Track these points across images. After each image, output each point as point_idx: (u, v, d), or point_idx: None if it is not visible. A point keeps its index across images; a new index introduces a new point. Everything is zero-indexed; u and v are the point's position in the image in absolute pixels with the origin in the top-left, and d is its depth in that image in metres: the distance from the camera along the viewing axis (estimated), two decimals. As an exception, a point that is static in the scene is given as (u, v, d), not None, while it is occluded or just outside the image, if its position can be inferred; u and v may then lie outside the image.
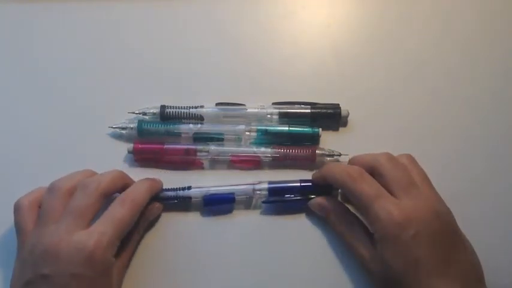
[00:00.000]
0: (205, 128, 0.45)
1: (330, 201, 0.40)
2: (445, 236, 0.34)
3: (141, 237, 0.40)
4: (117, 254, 0.35)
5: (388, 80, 0.48)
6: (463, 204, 0.43)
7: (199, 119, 0.45)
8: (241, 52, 0.50)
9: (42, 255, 0.33)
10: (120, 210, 0.36)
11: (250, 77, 0.49)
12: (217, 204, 0.41)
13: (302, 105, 0.45)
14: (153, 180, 0.41)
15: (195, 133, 0.45)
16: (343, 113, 0.45)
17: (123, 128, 0.45)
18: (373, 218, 0.34)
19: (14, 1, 0.53)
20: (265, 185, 0.41)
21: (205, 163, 0.45)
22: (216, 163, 0.45)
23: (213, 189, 0.41)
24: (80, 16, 0.52)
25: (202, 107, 0.45)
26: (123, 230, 0.35)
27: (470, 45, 0.50)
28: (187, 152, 0.44)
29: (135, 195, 0.37)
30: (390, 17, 0.51)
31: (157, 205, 0.40)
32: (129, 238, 0.38)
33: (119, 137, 0.46)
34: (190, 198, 0.41)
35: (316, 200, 0.40)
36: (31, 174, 0.45)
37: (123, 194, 0.38)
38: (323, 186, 0.40)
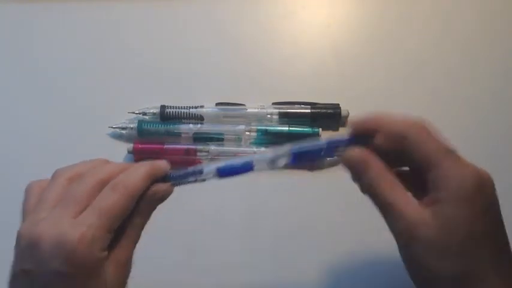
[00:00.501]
0: (205, 128, 0.45)
1: (370, 154, 0.32)
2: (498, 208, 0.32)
3: (143, 225, 0.34)
4: (113, 247, 0.31)
5: (388, 80, 0.48)
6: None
7: (199, 119, 0.45)
8: (241, 52, 0.50)
9: (25, 247, 0.30)
10: (110, 198, 0.30)
11: (250, 77, 0.49)
12: (234, 174, 0.35)
13: (302, 105, 0.45)
14: (153, 163, 0.34)
15: (195, 133, 0.45)
16: (343, 113, 0.45)
17: (123, 128, 0.45)
18: (447, 174, 0.29)
19: (14, 1, 0.53)
20: (288, 149, 0.34)
21: (206, 163, 0.45)
22: (216, 163, 0.45)
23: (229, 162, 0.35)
24: (80, 16, 0.52)
25: (202, 107, 0.45)
26: (112, 221, 0.30)
27: (470, 45, 0.50)
28: (187, 152, 0.44)
29: (129, 180, 0.32)
30: (390, 17, 0.51)
31: (163, 186, 0.33)
32: (129, 228, 0.32)
33: (118, 137, 0.46)
34: (201, 172, 0.35)
35: (355, 152, 0.32)
36: (31, 174, 0.45)
37: (115, 179, 0.32)
38: (358, 141, 0.33)
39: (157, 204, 0.34)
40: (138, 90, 0.48)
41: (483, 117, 0.47)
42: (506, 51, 0.50)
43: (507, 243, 0.31)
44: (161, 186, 0.33)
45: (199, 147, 0.44)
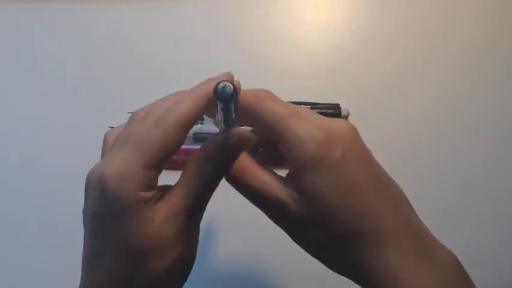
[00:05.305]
0: (205, 128, 0.45)
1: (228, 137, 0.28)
2: (371, 157, 0.28)
3: (213, 176, 0.28)
4: (170, 192, 0.27)
5: (388, 80, 0.48)
6: (463, 201, 0.43)
7: (199, 119, 0.45)
8: (241, 52, 0.50)
9: (84, 190, 0.27)
10: (149, 131, 0.26)
11: (250, 77, 0.49)
12: None
13: (302, 105, 0.45)
14: (203, 84, 0.29)
15: (195, 133, 0.45)
16: (343, 113, 0.45)
17: (123, 128, 0.45)
18: (293, 140, 0.26)
19: (14, 1, 0.53)
20: None
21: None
22: (216, 163, 0.45)
23: None
24: (80, 16, 0.52)
25: (202, 107, 0.45)
26: (150, 156, 0.26)
27: (471, 45, 0.50)
28: (187, 152, 0.44)
29: (173, 110, 0.27)
30: (390, 17, 0.51)
31: (241, 135, 0.28)
32: (190, 174, 0.28)
33: (119, 137, 0.46)
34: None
35: (212, 141, 0.28)
36: (31, 174, 0.45)
37: (162, 111, 0.28)
38: None
39: (231, 153, 0.28)
40: (138, 90, 0.48)
41: (483, 117, 0.47)
42: (506, 50, 0.50)
43: (399, 193, 0.28)
44: (242, 133, 0.28)
45: (200, 147, 0.44)
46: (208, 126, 0.45)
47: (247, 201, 0.28)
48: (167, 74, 0.49)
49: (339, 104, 0.46)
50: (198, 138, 0.45)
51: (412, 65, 0.49)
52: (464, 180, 0.44)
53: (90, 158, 0.44)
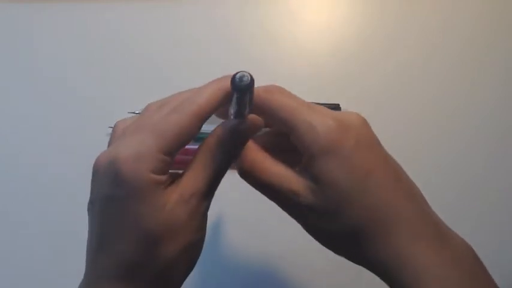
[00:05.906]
0: (205, 128, 0.45)
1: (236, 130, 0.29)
2: (383, 147, 0.29)
3: (222, 162, 0.29)
4: (182, 177, 0.27)
5: (388, 80, 0.48)
6: (463, 201, 0.43)
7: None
8: (241, 52, 0.50)
9: (92, 178, 0.27)
10: (168, 118, 0.27)
11: (250, 77, 0.49)
12: None
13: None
14: (220, 79, 0.29)
15: (195, 133, 0.45)
16: (343, 113, 0.45)
17: (123, 128, 0.45)
18: (305, 129, 0.26)
19: (14, 1, 0.53)
20: None
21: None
22: (216, 163, 0.45)
23: None
24: (80, 16, 0.52)
25: (202, 107, 0.45)
26: (167, 142, 0.26)
27: (471, 45, 0.50)
28: (187, 152, 0.44)
29: (192, 100, 0.28)
30: (390, 17, 0.51)
31: (251, 120, 0.28)
32: (202, 160, 0.29)
33: (119, 137, 0.46)
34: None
35: (216, 133, 0.29)
36: (31, 174, 0.45)
37: (181, 100, 0.29)
38: None
39: (244, 137, 0.29)
40: (138, 90, 0.48)
41: (483, 117, 0.47)
42: (506, 50, 0.50)
43: (410, 187, 0.28)
44: (251, 119, 0.29)
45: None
46: (208, 126, 0.45)
47: (254, 197, 0.28)
48: (167, 74, 0.49)
49: (339, 104, 0.46)
50: (198, 138, 0.45)
51: (412, 65, 0.49)
52: (464, 180, 0.44)
53: (90, 158, 0.44)
